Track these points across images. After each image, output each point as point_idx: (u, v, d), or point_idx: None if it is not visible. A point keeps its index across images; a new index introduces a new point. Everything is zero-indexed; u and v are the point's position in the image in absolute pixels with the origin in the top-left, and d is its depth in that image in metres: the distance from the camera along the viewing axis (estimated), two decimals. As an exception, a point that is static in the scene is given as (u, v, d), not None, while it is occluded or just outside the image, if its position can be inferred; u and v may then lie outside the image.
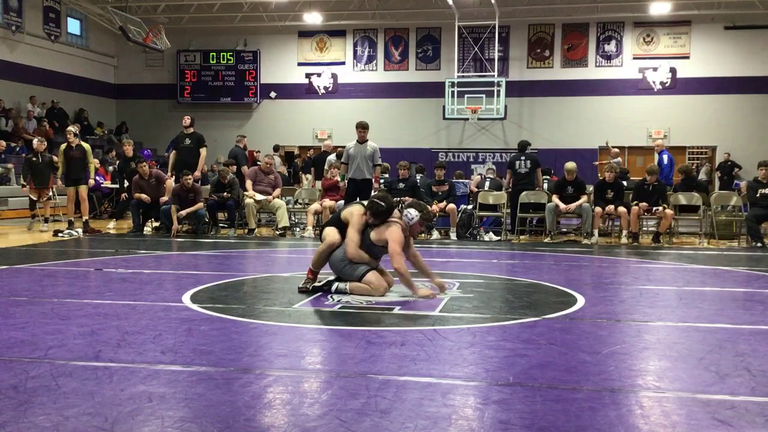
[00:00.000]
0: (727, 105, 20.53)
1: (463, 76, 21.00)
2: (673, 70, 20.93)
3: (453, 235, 11.44)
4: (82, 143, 11.96)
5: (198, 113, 22.29)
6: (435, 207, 11.32)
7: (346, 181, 10.70)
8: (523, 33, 21.70)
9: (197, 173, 11.92)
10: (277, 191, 12.15)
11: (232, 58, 23.21)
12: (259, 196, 11.89)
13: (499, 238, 11.63)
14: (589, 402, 3.14)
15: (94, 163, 12.18)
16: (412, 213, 5.84)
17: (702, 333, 4.62)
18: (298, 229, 12.49)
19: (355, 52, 22.66)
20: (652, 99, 21.01)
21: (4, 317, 4.85)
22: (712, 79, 20.54)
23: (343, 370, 3.64)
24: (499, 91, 20.41)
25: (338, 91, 22.70)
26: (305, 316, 5.08)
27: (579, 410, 3.03)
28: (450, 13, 20.43)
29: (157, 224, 12.10)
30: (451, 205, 11.52)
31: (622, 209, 11.08)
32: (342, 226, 5.97)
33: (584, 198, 11.27)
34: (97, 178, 15.14)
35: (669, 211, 11.04)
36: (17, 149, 17.88)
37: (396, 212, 5.92)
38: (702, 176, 19.13)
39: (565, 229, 12.68)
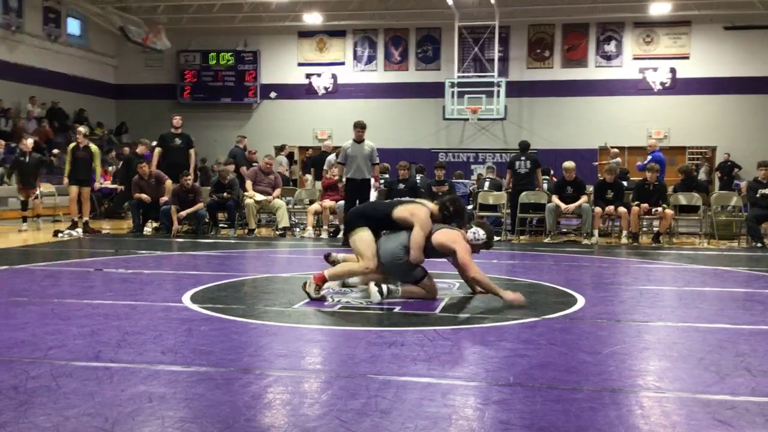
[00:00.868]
0: (726, 105, 20.54)
1: (463, 77, 21.00)
2: (673, 71, 20.93)
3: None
4: (91, 145, 11.97)
5: (198, 114, 22.41)
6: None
7: (344, 181, 10.65)
8: (523, 33, 21.70)
9: (190, 171, 11.94)
10: (277, 191, 12.15)
11: (232, 58, 23.22)
12: (259, 197, 11.88)
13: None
14: (589, 402, 3.14)
15: (98, 166, 12.20)
16: (481, 234, 5.68)
17: (702, 333, 4.62)
18: (298, 229, 12.49)
19: (355, 52, 22.67)
20: (652, 99, 21.02)
21: (4, 317, 4.85)
22: (711, 80, 20.54)
23: (343, 370, 3.64)
24: (499, 91, 20.41)
25: (338, 91, 22.70)
26: (305, 316, 5.08)
27: (579, 410, 3.03)
28: (450, 13, 20.43)
29: (157, 224, 12.11)
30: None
31: (622, 209, 11.08)
32: (371, 224, 5.68)
33: (584, 198, 11.27)
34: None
35: (669, 212, 11.05)
36: (17, 150, 17.87)
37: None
38: (701, 176, 19.13)
39: (565, 230, 12.68)
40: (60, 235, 11.22)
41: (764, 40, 20.26)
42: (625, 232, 11.06)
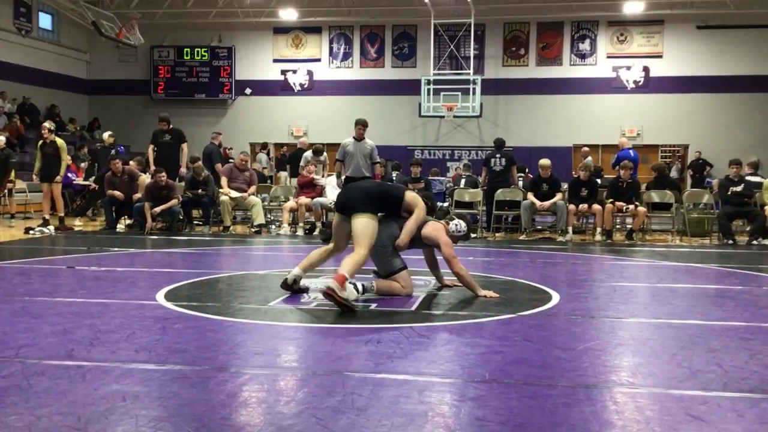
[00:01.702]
0: (699, 104, 20.81)
1: (438, 74, 21.04)
2: (646, 69, 21.15)
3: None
4: (57, 139, 11.81)
5: (172, 110, 22.10)
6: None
7: (343, 179, 10.39)
8: (499, 31, 21.80)
9: (183, 169, 11.90)
10: (253, 188, 12.09)
11: (206, 54, 23.04)
12: (234, 193, 11.81)
13: (474, 235, 11.65)
14: (564, 398, 3.17)
15: (66, 160, 12.03)
16: (462, 226, 5.92)
17: (675, 329, 4.67)
18: (273, 226, 12.44)
19: (330, 49, 22.61)
20: (626, 97, 21.22)
21: (-27, 316, 4.77)
22: (684, 78, 20.80)
23: (319, 367, 3.63)
24: (474, 88, 20.47)
25: (314, 88, 22.64)
26: (281, 313, 5.06)
27: (554, 406, 3.05)
28: (426, 11, 20.46)
29: (130, 222, 11.98)
30: (427, 203, 11.51)
31: (596, 207, 11.18)
32: (376, 210, 5.60)
33: (559, 196, 11.36)
34: (69, 174, 14.98)
35: (642, 209, 11.17)
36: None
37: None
38: (673, 174, 19.36)
39: (540, 227, 12.77)
40: (31, 232, 11.06)
41: (736, 39, 20.55)
42: (599, 230, 11.16)
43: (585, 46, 21.46)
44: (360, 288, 5.37)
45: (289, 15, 21.52)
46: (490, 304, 5.40)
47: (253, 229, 11.71)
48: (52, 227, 11.35)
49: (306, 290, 5.80)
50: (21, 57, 20.38)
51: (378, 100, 22.00)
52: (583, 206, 11.24)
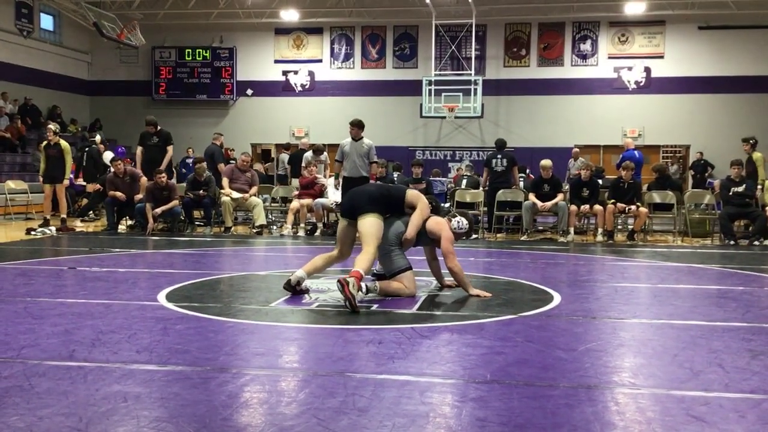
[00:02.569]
0: (700, 104, 20.78)
1: (440, 75, 21.03)
2: (647, 70, 21.13)
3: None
4: (61, 141, 11.85)
5: (173, 110, 22.24)
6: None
7: (341, 180, 10.54)
8: (500, 32, 21.78)
9: (161, 167, 11.78)
10: (254, 189, 12.10)
11: (208, 54, 23.03)
12: (236, 194, 11.82)
13: (476, 236, 11.66)
14: (565, 399, 3.16)
15: (70, 162, 12.06)
16: (464, 223, 6.02)
17: (676, 330, 4.67)
18: (275, 227, 12.44)
19: (332, 49, 22.61)
20: (627, 98, 21.20)
21: (-25, 317, 4.77)
22: (685, 79, 20.77)
23: (320, 368, 3.63)
24: (476, 89, 20.47)
25: (315, 88, 22.64)
26: (282, 314, 5.06)
27: (555, 407, 3.05)
28: (427, 11, 20.46)
29: (131, 222, 11.99)
30: (429, 203, 11.51)
31: (597, 207, 11.17)
32: (381, 211, 5.70)
33: (560, 196, 11.36)
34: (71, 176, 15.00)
35: (643, 210, 11.16)
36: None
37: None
38: (674, 174, 19.34)
39: (541, 227, 12.76)
40: (33, 233, 11.07)
41: (738, 40, 20.52)
42: (600, 230, 11.16)
43: (586, 46, 21.45)
44: (364, 288, 5.36)
45: (290, 16, 21.52)
46: (491, 305, 5.40)
47: (254, 230, 11.71)
48: (53, 228, 11.36)
49: (307, 291, 5.80)
50: (22, 58, 20.39)
51: (379, 101, 22.00)
52: (585, 207, 11.23)
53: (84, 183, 15.42)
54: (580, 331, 4.61)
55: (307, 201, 11.68)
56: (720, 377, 3.53)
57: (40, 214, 12.27)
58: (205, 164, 12.51)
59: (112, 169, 12.15)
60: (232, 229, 11.82)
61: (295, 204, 11.84)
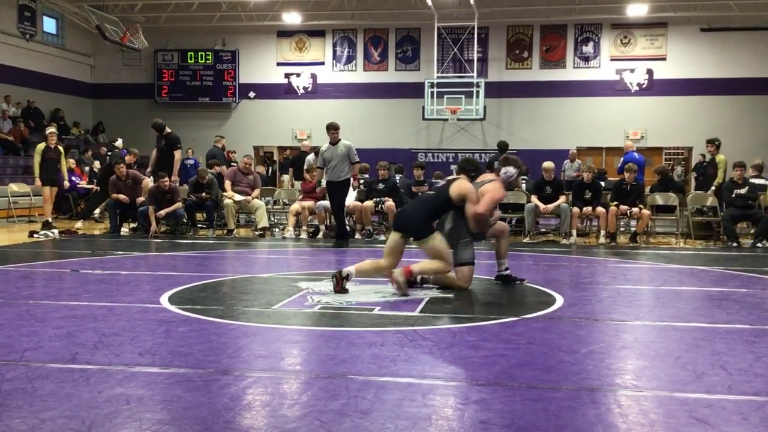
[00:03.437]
0: (702, 106, 20.75)
1: (442, 77, 21.03)
2: (649, 72, 21.11)
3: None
4: (59, 145, 11.97)
5: (176, 113, 22.24)
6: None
7: (324, 185, 10.43)
8: (502, 34, 21.78)
9: (174, 177, 11.74)
10: (257, 192, 12.11)
11: (210, 57, 23.06)
12: (238, 197, 11.83)
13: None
14: (568, 401, 3.16)
15: (67, 164, 12.13)
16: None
17: (679, 332, 4.66)
18: (277, 229, 12.45)
19: (334, 52, 22.62)
20: (629, 100, 21.18)
21: (-22, 319, 4.78)
22: (688, 81, 20.75)
23: (323, 371, 3.63)
24: (478, 91, 20.47)
25: (318, 91, 22.65)
26: (285, 317, 5.06)
27: (558, 409, 3.05)
28: (429, 14, 20.46)
29: (134, 225, 12.01)
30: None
31: (600, 209, 11.16)
32: (435, 223, 6.23)
33: (563, 198, 11.34)
34: (74, 178, 15.04)
35: (646, 212, 11.14)
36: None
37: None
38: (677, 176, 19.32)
39: (543, 230, 12.75)
40: (36, 235, 11.09)
41: (740, 42, 20.50)
42: (603, 232, 11.14)
43: (588, 48, 21.44)
44: (419, 279, 5.91)
45: (292, 18, 21.54)
46: (494, 307, 5.39)
47: (256, 233, 11.71)
48: (56, 230, 11.38)
49: (347, 291, 5.94)
50: (26, 61, 20.43)
51: (382, 104, 22.01)
52: (587, 209, 11.22)
53: (89, 186, 15.43)
54: (582, 333, 4.61)
55: (308, 203, 11.68)
56: (723, 379, 3.53)
57: (42, 217, 12.28)
58: (205, 167, 12.52)
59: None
60: (235, 231, 11.83)
61: (295, 206, 11.84)
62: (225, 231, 11.81)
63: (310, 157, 13.56)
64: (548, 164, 11.55)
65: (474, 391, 3.31)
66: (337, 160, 10.25)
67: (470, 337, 4.43)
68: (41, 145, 11.85)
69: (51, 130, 12.17)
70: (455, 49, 21.41)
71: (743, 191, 11.13)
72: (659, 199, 11.84)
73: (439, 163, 21.16)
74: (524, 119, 21.42)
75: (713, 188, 12.12)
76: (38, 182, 11.79)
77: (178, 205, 11.50)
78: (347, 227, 10.95)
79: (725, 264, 8.57)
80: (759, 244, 10.65)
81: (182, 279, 6.69)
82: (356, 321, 4.92)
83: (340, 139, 10.39)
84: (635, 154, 13.94)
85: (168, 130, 12.21)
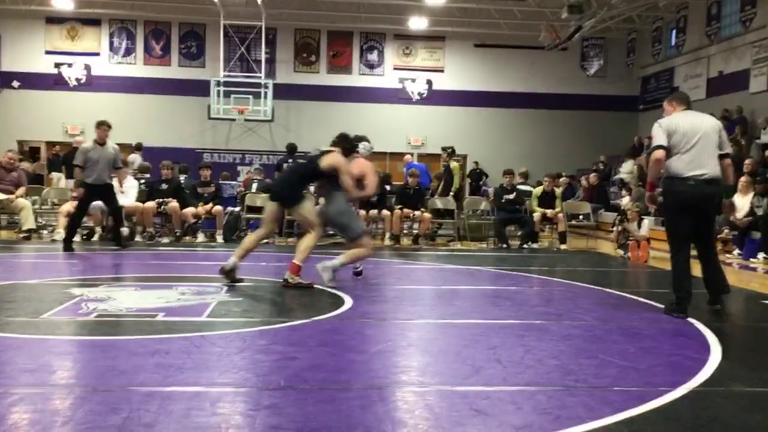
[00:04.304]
0: (476, 117, 22.27)
1: (229, 76, 20.62)
2: (429, 82, 22.27)
3: (219, 238, 11.19)
4: None
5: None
6: (201, 209, 11.04)
7: (82, 188, 9.42)
8: (290, 36, 21.84)
9: None
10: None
11: (-33, 41, 20.71)
12: (0, 195, 10.72)
13: (267, 240, 11.53)
14: (358, 400, 3.20)
15: None
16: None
17: (458, 329, 4.92)
18: (46, 231, 11.44)
19: (111, 43, 21.30)
20: (411, 108, 22.19)
21: None
22: (463, 93, 22.17)
23: (100, 383, 3.36)
24: (266, 92, 20.35)
25: (92, 83, 21.18)
26: (56, 326, 4.63)
27: (349, 409, 3.07)
28: (215, 10, 19.99)
29: None
30: (218, 207, 11.26)
31: (385, 212, 11.54)
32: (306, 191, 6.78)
33: (349, 201, 11.58)
34: None
35: (427, 215, 11.72)
36: None
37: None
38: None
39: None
40: None
41: (509, 58, 22.24)
42: (388, 234, 11.54)
43: (373, 56, 22.16)
44: (327, 266, 6.40)
45: (63, 4, 19.91)
46: (285, 310, 5.35)
47: (21, 235, 10.68)
48: None
49: (241, 281, 6.35)
50: None
51: (164, 100, 21.10)
52: (373, 211, 11.56)
53: None
54: (371, 333, 4.71)
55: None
56: (498, 372, 3.76)
57: None
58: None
59: None
60: (-5, 233, 10.71)
61: (66, 207, 10.96)
62: (-17, 233, 10.64)
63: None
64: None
65: (265, 396, 3.24)
66: (104, 162, 9.48)
67: (261, 341, 4.35)
68: None
69: None
70: (242, 49, 21.12)
71: (511, 196, 12.06)
72: (439, 203, 12.50)
73: (226, 164, 20.72)
74: (313, 122, 21.61)
75: (452, 193, 12.96)
76: None
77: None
78: (127, 228, 10.33)
79: (497, 264, 9.23)
80: (525, 246, 11.61)
81: (-70, 287, 5.90)
82: (137, 329, 4.62)
83: (107, 141, 9.63)
84: (415, 163, 14.64)
85: None
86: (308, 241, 6.48)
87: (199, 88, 20.60)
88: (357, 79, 22.02)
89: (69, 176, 13.33)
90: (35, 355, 3.90)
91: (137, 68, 21.38)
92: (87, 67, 21.18)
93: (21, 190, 11.06)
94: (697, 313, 5.43)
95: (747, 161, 12.04)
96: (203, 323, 4.81)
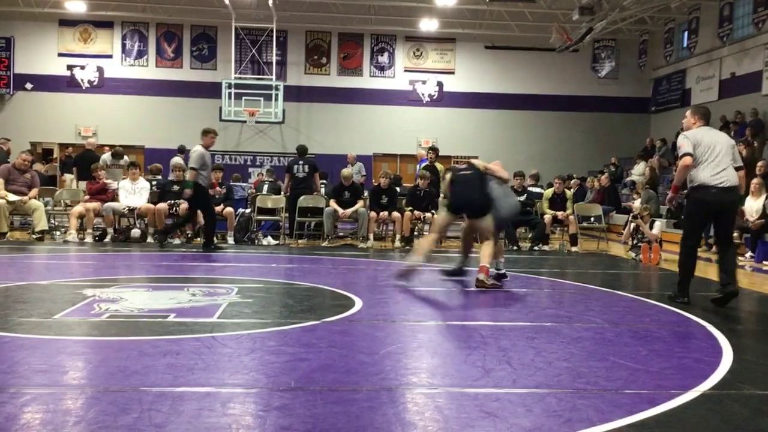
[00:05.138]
0: (486, 119, 22.26)
1: (240, 78, 20.70)
2: (440, 84, 22.28)
3: (230, 240, 11.22)
4: None
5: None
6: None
7: (191, 190, 9.94)
8: (301, 39, 21.90)
9: None
10: (34, 191, 11.12)
11: (-19, 43, 20.88)
12: (12, 197, 10.80)
13: (277, 242, 11.60)
14: (368, 402, 3.20)
15: None
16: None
17: (468, 330, 4.92)
18: (58, 232, 11.52)
19: (123, 45, 21.43)
20: (422, 110, 22.20)
21: None
22: (474, 95, 22.16)
23: (112, 384, 3.38)
24: (277, 94, 20.42)
25: (105, 85, 21.32)
26: (68, 327, 4.67)
27: (359, 411, 3.08)
28: (227, 12, 20.06)
29: None
30: (229, 209, 11.29)
31: (395, 214, 11.55)
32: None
33: (360, 203, 11.61)
34: None
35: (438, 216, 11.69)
36: None
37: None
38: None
39: (342, 233, 12.95)
40: None
41: (520, 60, 22.25)
42: (398, 236, 11.54)
43: (384, 59, 22.18)
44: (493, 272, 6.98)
45: (76, 6, 20.06)
46: (295, 311, 5.37)
47: (34, 236, 10.75)
48: None
49: (465, 273, 7.33)
50: None
51: (176, 102, 21.20)
52: (384, 213, 11.57)
53: None
54: (380, 334, 4.71)
55: (94, 205, 10.94)
56: (508, 374, 3.76)
57: None
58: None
59: None
60: (8, 234, 10.77)
61: (78, 208, 11.03)
62: (-3, 234, 10.72)
63: (106, 156, 12.72)
64: (346, 171, 11.81)
65: (276, 397, 3.25)
66: (210, 166, 10.24)
67: (271, 342, 4.37)
68: None
69: None
70: (254, 51, 21.19)
71: (522, 198, 12.03)
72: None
73: (237, 166, 20.81)
74: (323, 124, 21.69)
75: (442, 194, 12.81)
76: None
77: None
78: (139, 230, 10.40)
79: (507, 266, 9.18)
80: (536, 248, 11.58)
81: (-56, 288, 5.95)
82: (149, 329, 4.65)
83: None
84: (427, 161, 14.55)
85: None
86: (490, 247, 6.96)
87: (211, 90, 20.69)
88: (367, 81, 22.06)
89: (80, 178, 13.40)
90: (48, 356, 3.93)
91: (149, 70, 21.50)
92: (99, 70, 21.32)
93: (34, 192, 11.13)
94: (709, 316, 5.40)
95: (759, 163, 11.94)
96: (214, 324, 4.83)
